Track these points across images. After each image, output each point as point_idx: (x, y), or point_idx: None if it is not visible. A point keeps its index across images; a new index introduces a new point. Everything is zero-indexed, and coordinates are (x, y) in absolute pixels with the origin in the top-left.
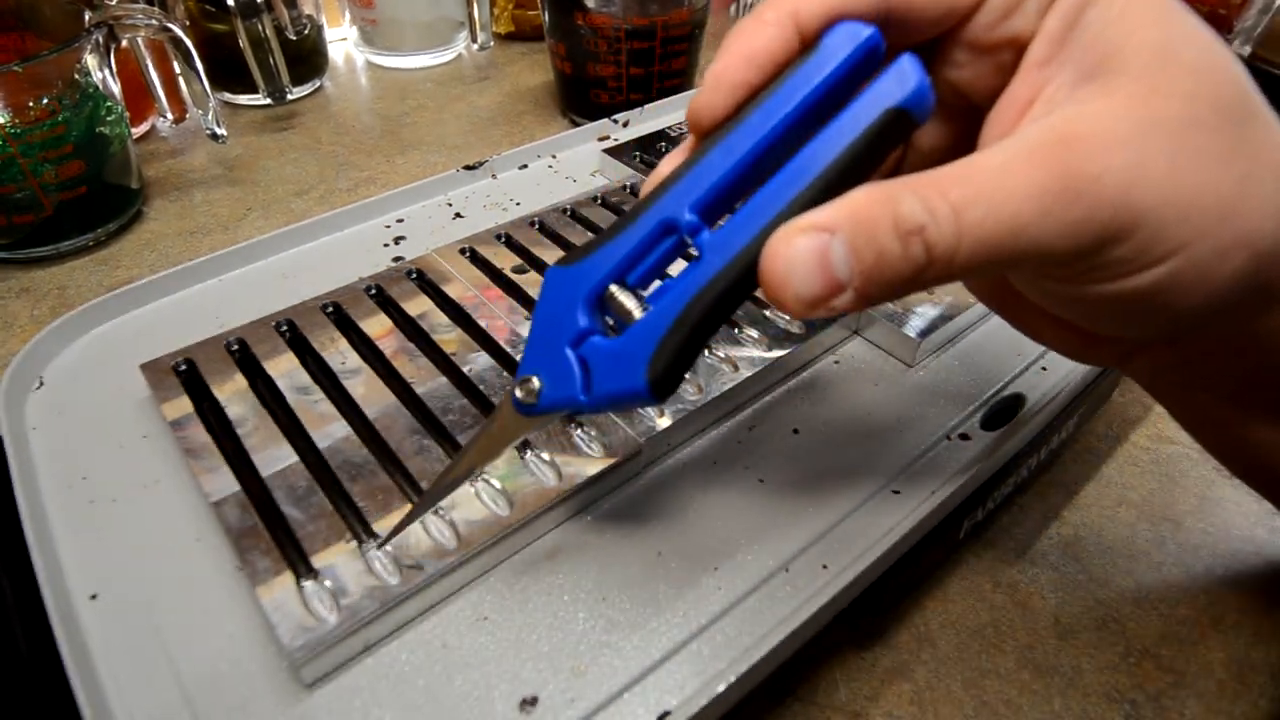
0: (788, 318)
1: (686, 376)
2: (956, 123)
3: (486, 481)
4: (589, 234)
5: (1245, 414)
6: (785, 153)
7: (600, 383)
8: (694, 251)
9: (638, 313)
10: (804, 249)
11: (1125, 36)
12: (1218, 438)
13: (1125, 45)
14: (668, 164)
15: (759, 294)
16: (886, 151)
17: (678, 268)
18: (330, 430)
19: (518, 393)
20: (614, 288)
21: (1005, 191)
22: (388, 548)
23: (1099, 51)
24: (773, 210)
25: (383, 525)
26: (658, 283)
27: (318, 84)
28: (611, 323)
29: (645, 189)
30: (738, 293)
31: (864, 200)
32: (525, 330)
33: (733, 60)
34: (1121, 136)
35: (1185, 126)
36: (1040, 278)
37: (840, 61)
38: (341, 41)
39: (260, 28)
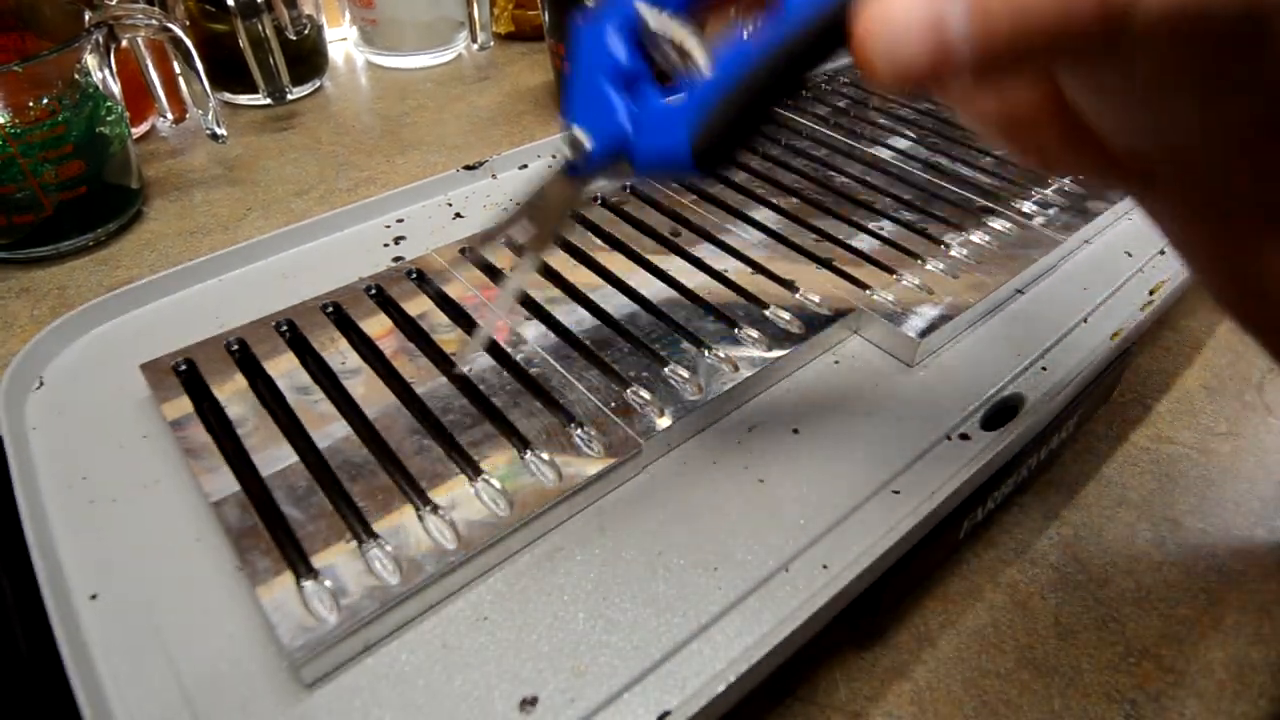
0: (787, 317)
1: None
2: None
3: (486, 481)
4: (589, 234)
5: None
6: None
7: (646, 138)
8: None
9: (690, 45)
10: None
11: None
12: (1232, 272)
13: None
14: None
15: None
16: None
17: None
18: (330, 430)
19: (567, 153)
20: (654, 19)
21: None
22: (387, 545)
23: None
24: None
25: (383, 525)
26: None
27: (318, 84)
28: (667, 60)
29: None
30: (815, 54)
31: None
32: (525, 330)
33: None
34: None
35: None
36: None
37: None
38: (341, 41)
39: (260, 28)
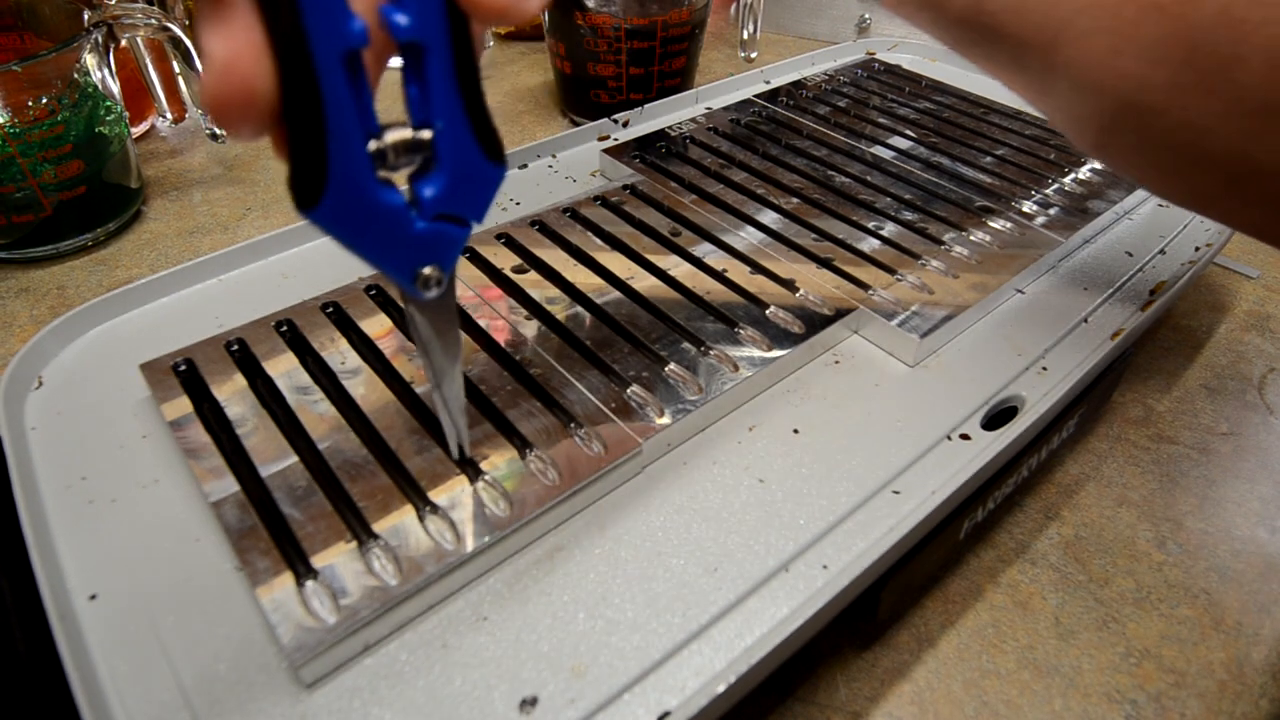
0: (787, 317)
1: (690, 377)
2: None
3: (486, 481)
4: (589, 234)
5: None
6: None
7: (464, 207)
8: (398, 37)
9: (425, 134)
10: None
11: None
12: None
13: None
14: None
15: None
16: None
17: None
18: (330, 430)
19: (427, 294)
20: (374, 145)
21: None
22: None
23: None
24: None
25: (383, 525)
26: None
27: None
28: (408, 165)
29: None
30: (466, 33)
31: None
32: (525, 330)
33: None
34: None
35: None
36: None
37: None
38: None
39: None
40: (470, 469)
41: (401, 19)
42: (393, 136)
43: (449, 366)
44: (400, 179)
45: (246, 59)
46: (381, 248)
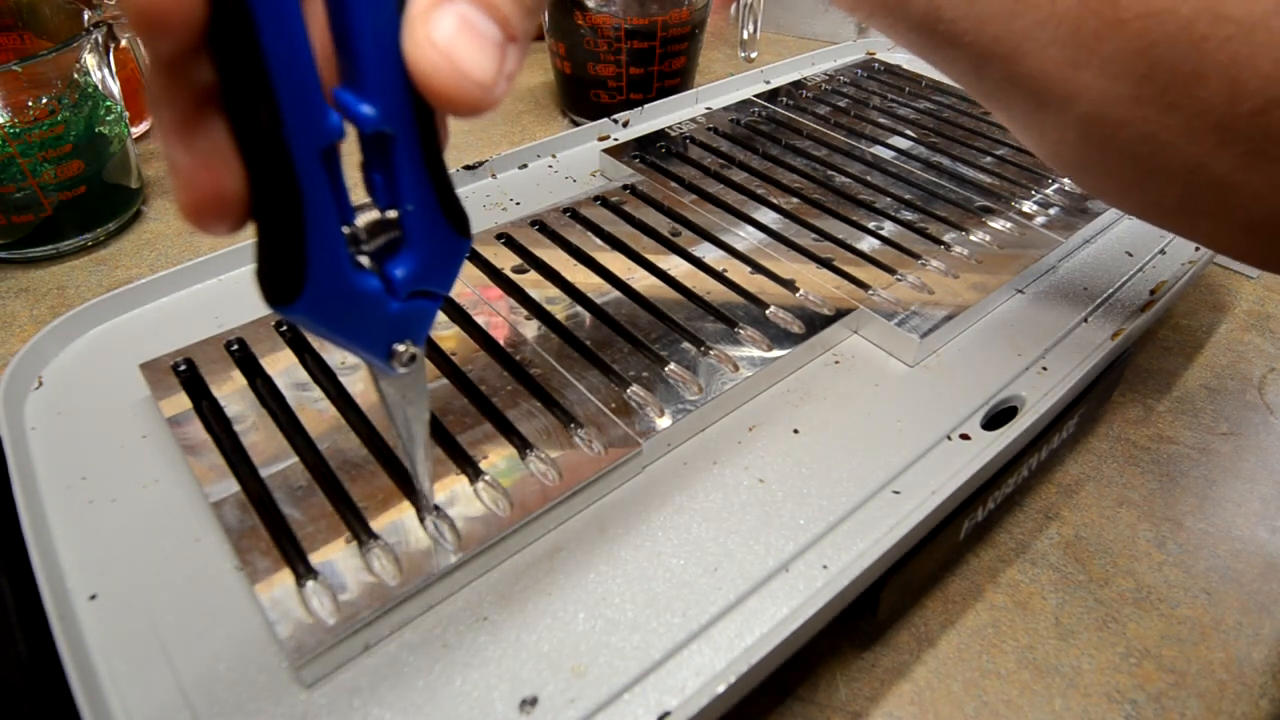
0: (787, 317)
1: (689, 377)
2: None
3: (486, 481)
4: (589, 234)
5: None
6: None
7: (435, 282)
8: (367, 130)
9: (391, 215)
10: (446, 34)
11: None
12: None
13: None
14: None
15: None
16: None
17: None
18: (330, 430)
19: (400, 370)
20: (348, 231)
21: None
22: (389, 542)
23: None
24: (390, 30)
25: (383, 525)
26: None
27: None
28: (381, 245)
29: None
30: (430, 118)
31: None
32: (525, 330)
33: None
34: None
35: None
36: None
37: None
38: None
39: None
40: (470, 469)
41: (368, 110)
42: (364, 220)
43: (418, 430)
44: (366, 260)
45: (214, 166)
46: (358, 333)
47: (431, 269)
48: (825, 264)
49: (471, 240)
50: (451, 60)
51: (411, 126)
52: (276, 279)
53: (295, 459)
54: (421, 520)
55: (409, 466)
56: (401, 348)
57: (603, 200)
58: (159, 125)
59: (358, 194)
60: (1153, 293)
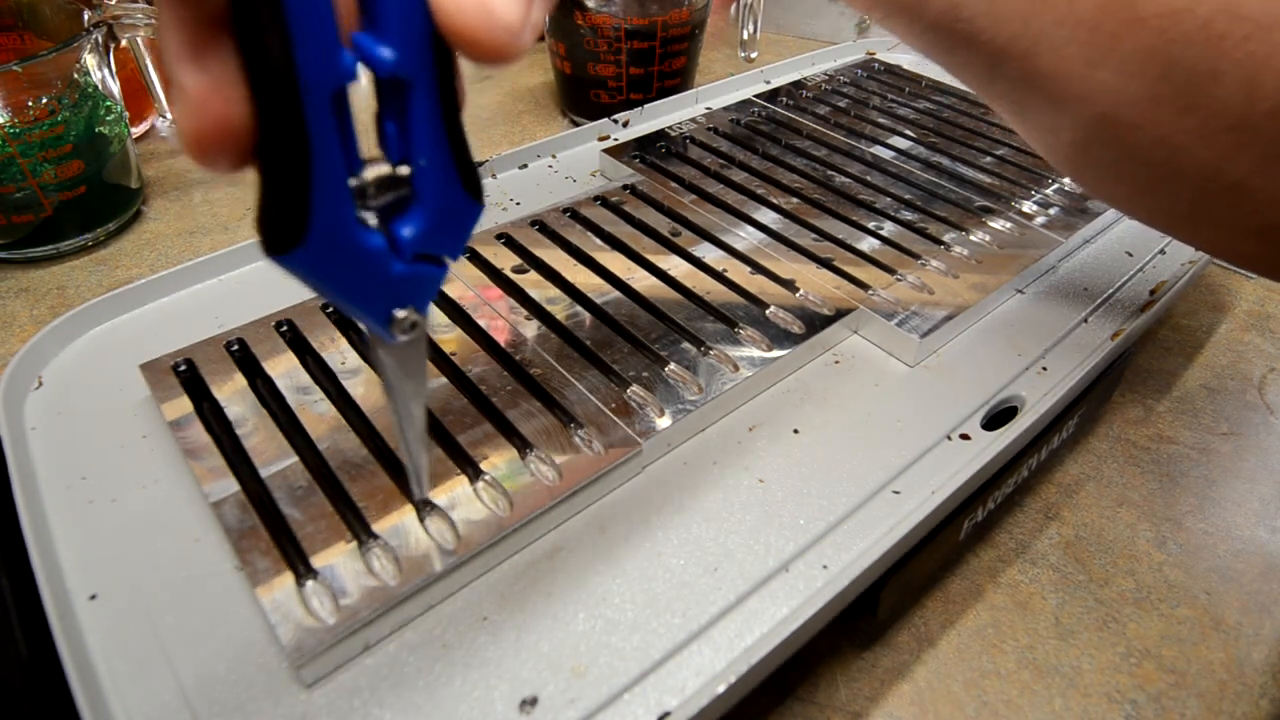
0: (787, 317)
1: (689, 377)
2: None
3: (486, 481)
4: (589, 234)
5: None
6: None
7: (443, 246)
8: (380, 76)
9: (402, 171)
10: None
11: None
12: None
13: None
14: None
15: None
16: None
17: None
18: (330, 430)
19: (400, 338)
20: (354, 183)
21: None
22: (390, 544)
23: None
24: None
25: (383, 525)
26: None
27: None
28: (388, 202)
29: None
30: (451, 68)
31: None
32: (525, 330)
33: None
34: None
35: None
36: None
37: None
38: None
39: None
40: (470, 469)
41: (385, 53)
42: (372, 173)
43: (415, 410)
44: (371, 217)
45: (223, 93)
46: (358, 292)
47: (440, 230)
48: (825, 264)
49: (483, 205)
50: (481, 0)
51: (431, 73)
52: (277, 226)
53: (295, 459)
54: (421, 520)
55: (402, 447)
56: (402, 314)
57: (603, 200)
58: (166, 48)
59: (367, 153)
60: (1153, 293)
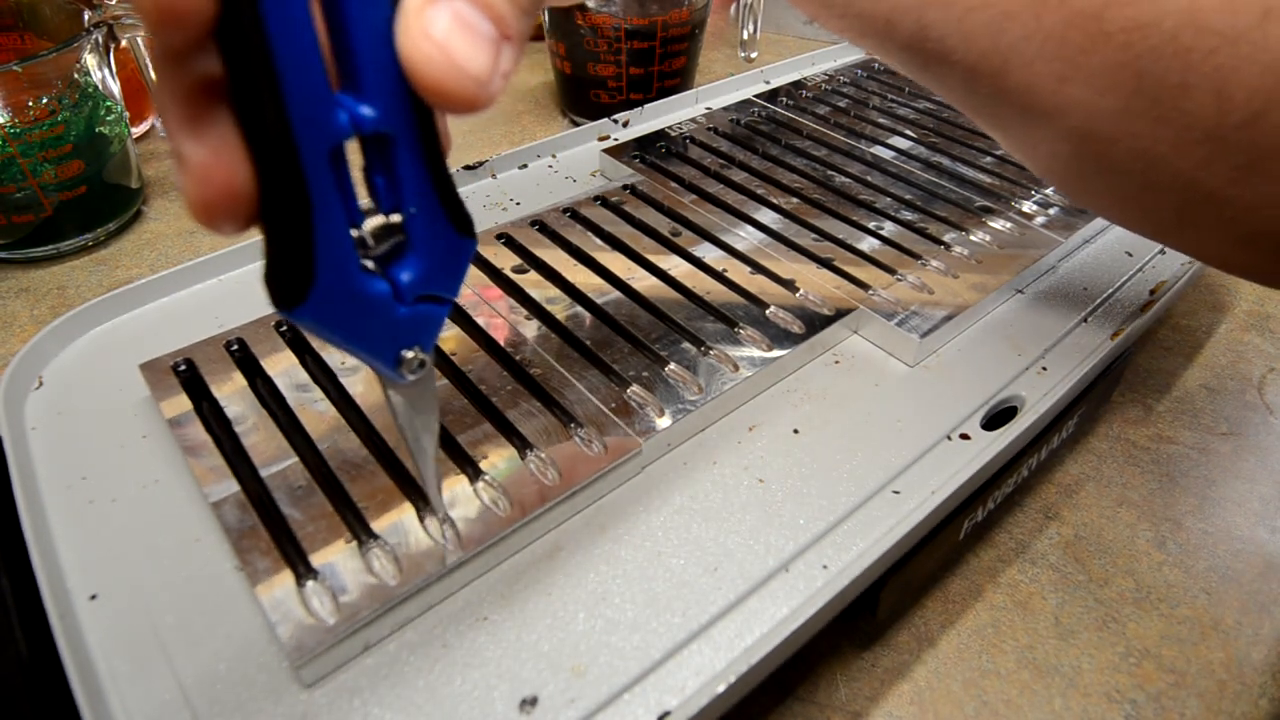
0: (787, 317)
1: (689, 378)
2: None
3: (486, 481)
4: (589, 234)
5: None
6: None
7: (442, 286)
8: (367, 132)
9: (396, 219)
10: (442, 28)
11: None
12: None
13: None
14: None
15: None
16: None
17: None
18: (330, 430)
19: (409, 377)
20: (355, 234)
21: None
22: (389, 544)
23: None
24: (386, 30)
25: (382, 525)
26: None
27: None
28: (387, 250)
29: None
30: (430, 118)
31: None
32: (525, 330)
33: None
34: None
35: None
36: None
37: None
38: None
39: None
40: (470, 469)
41: (367, 111)
42: (370, 224)
43: (427, 444)
44: (373, 265)
45: (224, 161)
46: (366, 338)
47: (437, 272)
48: (825, 264)
49: (476, 241)
50: (447, 54)
51: (411, 127)
52: (284, 281)
53: (295, 459)
54: (421, 520)
55: (419, 478)
56: (410, 354)
57: (603, 200)
58: (167, 119)
59: (366, 203)
60: (1152, 293)
